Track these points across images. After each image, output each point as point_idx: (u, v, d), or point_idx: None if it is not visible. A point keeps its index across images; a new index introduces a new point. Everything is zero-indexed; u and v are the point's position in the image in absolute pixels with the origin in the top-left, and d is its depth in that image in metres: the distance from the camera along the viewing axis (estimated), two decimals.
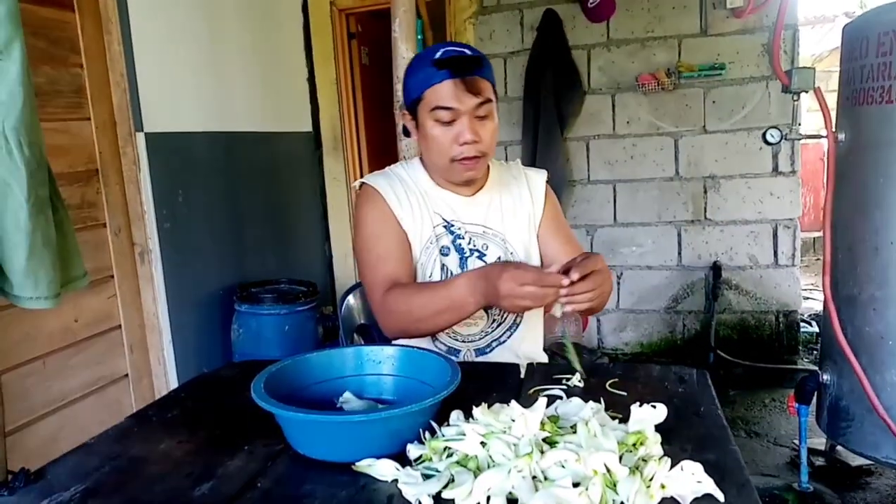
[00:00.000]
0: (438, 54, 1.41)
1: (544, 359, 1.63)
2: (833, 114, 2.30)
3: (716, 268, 3.84)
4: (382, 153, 4.17)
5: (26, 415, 2.21)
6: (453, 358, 1.51)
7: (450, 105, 1.39)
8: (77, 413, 2.38)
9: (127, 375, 2.62)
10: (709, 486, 0.84)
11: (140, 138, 2.61)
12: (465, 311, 1.36)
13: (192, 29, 2.96)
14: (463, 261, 1.54)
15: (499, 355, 1.56)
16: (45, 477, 0.98)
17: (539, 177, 1.66)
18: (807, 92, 2.36)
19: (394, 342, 1.55)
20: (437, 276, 1.52)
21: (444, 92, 1.39)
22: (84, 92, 2.43)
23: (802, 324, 4.01)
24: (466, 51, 1.43)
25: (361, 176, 4.22)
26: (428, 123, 1.44)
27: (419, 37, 3.51)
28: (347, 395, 1.17)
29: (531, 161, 3.81)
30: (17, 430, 2.16)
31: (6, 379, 2.12)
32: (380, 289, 1.45)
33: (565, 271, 1.23)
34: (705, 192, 3.87)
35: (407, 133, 1.57)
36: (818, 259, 6.16)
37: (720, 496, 0.83)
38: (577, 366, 1.28)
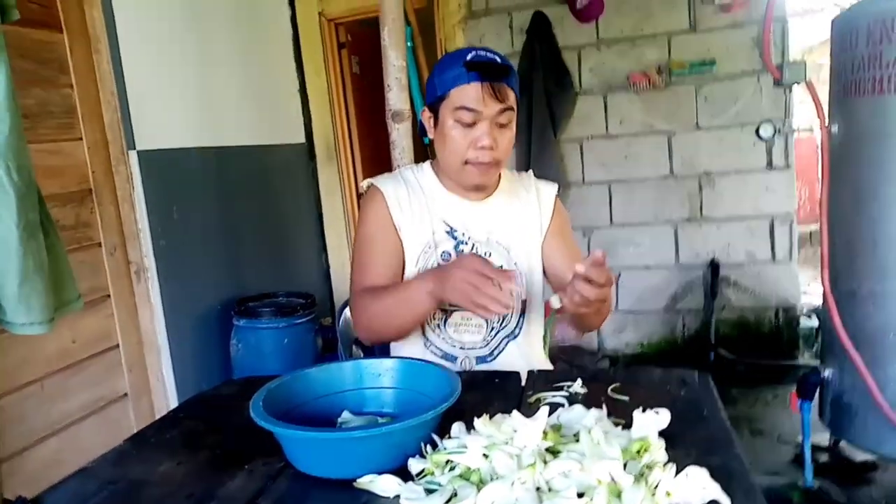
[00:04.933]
0: (470, 56, 1.42)
1: (547, 365, 1.62)
2: (825, 106, 2.30)
3: (714, 265, 3.83)
4: (376, 162, 4.16)
5: (26, 438, 2.19)
6: (451, 366, 1.52)
7: (474, 107, 1.41)
8: (77, 434, 2.37)
9: (126, 395, 2.61)
10: (714, 491, 0.83)
11: (133, 156, 2.60)
12: (419, 307, 1.37)
13: (181, 45, 2.96)
14: None
15: (501, 363, 1.55)
16: None
17: (550, 189, 1.66)
18: (798, 84, 2.36)
19: (392, 354, 1.55)
20: None
21: (471, 94, 1.41)
22: (75, 112, 2.43)
23: (802, 318, 4.00)
24: (497, 58, 1.44)
25: (356, 186, 4.25)
26: (448, 122, 1.44)
27: (409, 44, 3.51)
28: (346, 414, 1.15)
29: (525, 164, 3.80)
30: (17, 453, 2.15)
31: (4, 402, 2.11)
32: (355, 294, 1.49)
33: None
34: (700, 189, 3.86)
35: (422, 133, 1.57)
36: (816, 252, 6.15)
37: (727, 501, 0.82)
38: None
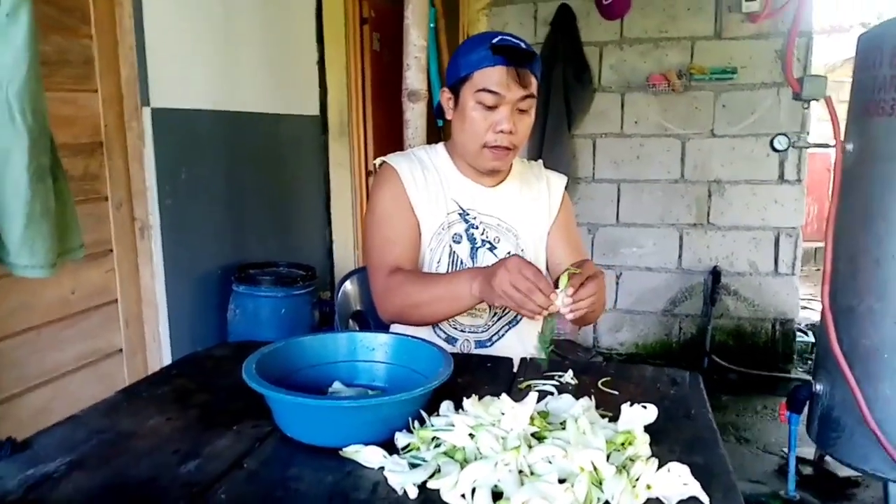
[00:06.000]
0: (496, 40, 1.42)
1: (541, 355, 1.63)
2: (843, 124, 2.29)
3: (715, 273, 3.84)
4: (388, 140, 4.15)
5: (19, 384, 2.20)
6: (448, 347, 1.52)
7: (497, 90, 1.40)
8: (69, 385, 2.38)
9: (121, 350, 2.62)
10: (695, 488, 0.84)
11: (146, 113, 2.59)
12: (461, 303, 1.36)
13: (204, 6, 2.94)
14: (474, 251, 1.54)
15: (498, 349, 1.56)
16: (32, 447, 0.98)
17: (559, 181, 1.67)
18: (818, 100, 2.34)
19: (391, 329, 1.55)
20: (445, 262, 1.53)
21: (495, 77, 1.40)
22: (92, 63, 2.42)
23: (799, 333, 4.01)
24: (522, 44, 1.44)
25: (367, 162, 4.24)
26: (469, 104, 1.44)
27: (431, 25, 3.50)
28: (337, 384, 1.16)
29: (537, 156, 3.80)
30: (8, 399, 2.16)
31: (1, 347, 2.12)
32: (383, 272, 1.47)
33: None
34: (709, 196, 3.86)
35: (439, 114, 1.57)
36: (818, 269, 6.14)
37: (705, 499, 0.83)
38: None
